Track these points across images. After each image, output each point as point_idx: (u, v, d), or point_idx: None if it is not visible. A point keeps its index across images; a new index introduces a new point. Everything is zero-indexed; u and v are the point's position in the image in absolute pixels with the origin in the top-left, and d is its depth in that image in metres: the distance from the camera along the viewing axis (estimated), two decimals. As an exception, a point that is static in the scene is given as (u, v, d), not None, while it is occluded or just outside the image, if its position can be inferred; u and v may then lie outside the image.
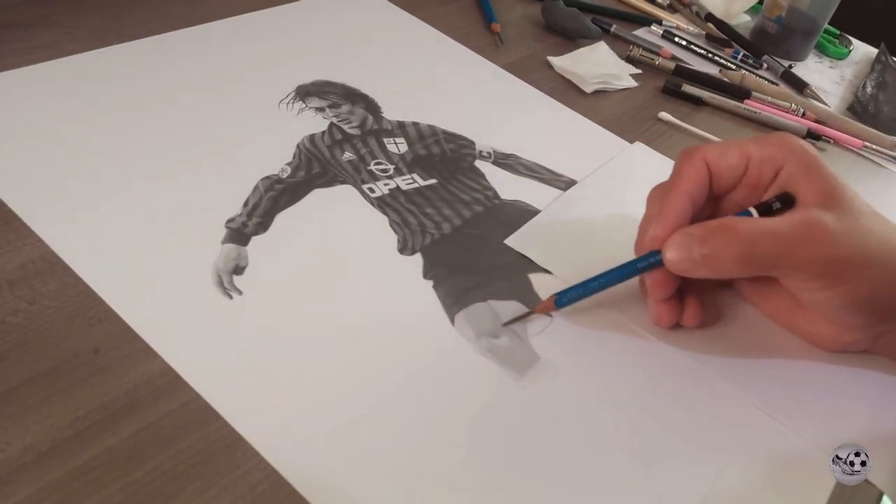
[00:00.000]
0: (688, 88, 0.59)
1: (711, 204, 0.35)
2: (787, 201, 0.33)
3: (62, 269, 0.32)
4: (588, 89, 0.55)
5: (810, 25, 0.70)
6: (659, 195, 0.34)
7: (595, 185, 0.44)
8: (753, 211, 0.33)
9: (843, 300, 0.32)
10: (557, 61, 0.57)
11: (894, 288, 0.31)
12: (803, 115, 0.59)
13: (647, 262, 0.33)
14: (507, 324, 0.34)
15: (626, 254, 0.35)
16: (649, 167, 0.48)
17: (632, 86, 0.57)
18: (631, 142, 0.50)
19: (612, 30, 0.65)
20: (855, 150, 0.58)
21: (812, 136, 0.57)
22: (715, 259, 0.31)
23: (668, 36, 0.68)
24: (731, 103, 0.58)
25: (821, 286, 0.31)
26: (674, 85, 0.58)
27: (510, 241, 0.39)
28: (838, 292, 0.31)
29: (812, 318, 0.35)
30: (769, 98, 0.60)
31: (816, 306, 0.33)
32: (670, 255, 0.32)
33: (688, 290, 0.35)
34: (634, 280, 0.35)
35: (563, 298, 0.34)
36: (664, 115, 0.55)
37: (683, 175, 0.33)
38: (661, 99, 0.58)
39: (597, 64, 0.58)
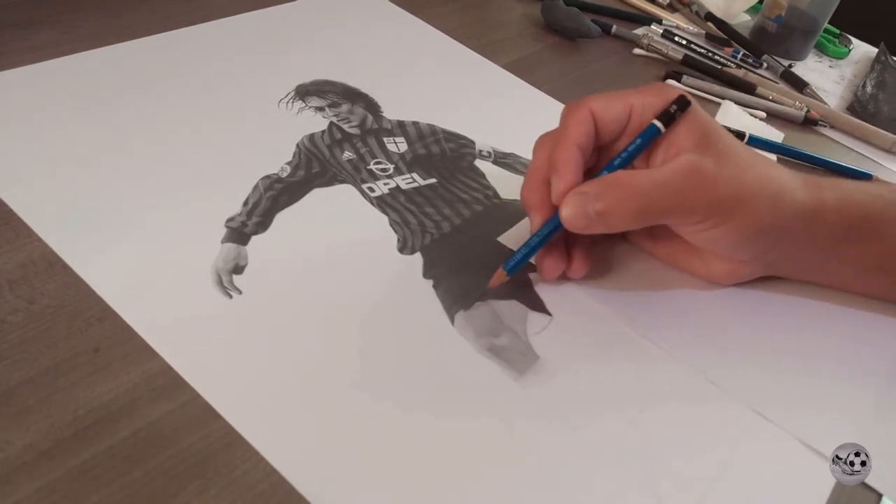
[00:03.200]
0: (689, 81, 0.59)
1: (597, 153, 0.36)
2: (682, 105, 0.34)
3: (62, 269, 0.32)
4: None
5: (810, 25, 0.70)
6: (547, 144, 0.35)
7: None
8: (658, 123, 0.33)
9: (732, 236, 0.34)
10: None
11: (773, 216, 0.34)
12: (807, 114, 0.59)
13: (554, 224, 0.34)
14: (486, 293, 0.34)
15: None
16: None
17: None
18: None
19: (613, 30, 0.65)
20: (854, 149, 0.59)
21: (810, 121, 0.58)
22: (611, 214, 0.32)
23: (668, 35, 0.68)
24: (734, 93, 0.59)
25: (709, 226, 0.33)
26: (675, 72, 0.60)
27: (503, 239, 0.39)
28: (725, 230, 0.33)
29: (706, 258, 0.37)
30: (772, 95, 0.60)
31: (708, 245, 0.35)
32: (566, 212, 0.32)
33: (574, 244, 0.36)
34: (633, 280, 0.35)
35: (511, 265, 0.34)
36: (671, 82, 0.56)
37: (571, 125, 0.34)
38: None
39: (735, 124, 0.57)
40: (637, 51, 0.64)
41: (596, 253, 0.38)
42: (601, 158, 0.36)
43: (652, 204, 0.32)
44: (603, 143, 0.35)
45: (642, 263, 0.39)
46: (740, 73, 0.63)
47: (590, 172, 0.35)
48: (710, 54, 0.66)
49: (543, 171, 0.34)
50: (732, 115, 0.57)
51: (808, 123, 0.59)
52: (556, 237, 0.35)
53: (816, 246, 0.37)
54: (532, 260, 0.35)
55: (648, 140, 0.34)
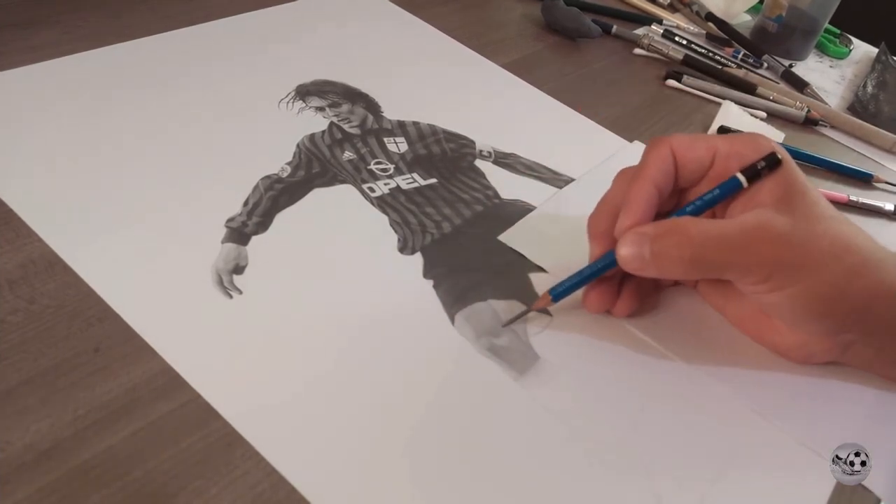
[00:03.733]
0: (689, 81, 0.60)
1: (677, 196, 0.35)
2: (772, 163, 0.32)
3: (62, 269, 0.32)
4: None
5: (811, 25, 0.70)
6: (626, 177, 0.34)
7: (590, 184, 0.44)
8: (741, 176, 0.32)
9: (795, 302, 0.31)
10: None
11: (848, 290, 0.31)
12: (808, 114, 0.59)
13: (610, 259, 0.33)
14: (506, 324, 0.34)
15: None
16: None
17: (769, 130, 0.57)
18: (631, 141, 0.50)
19: (614, 30, 0.65)
20: (855, 149, 0.58)
21: (810, 121, 0.58)
22: (664, 259, 0.31)
23: (668, 35, 0.68)
24: (734, 93, 0.59)
25: (770, 288, 0.31)
26: (675, 71, 0.60)
27: (503, 238, 0.39)
28: (788, 294, 0.31)
29: (775, 327, 0.34)
30: (772, 95, 0.61)
31: (772, 310, 0.33)
32: (623, 251, 0.32)
33: (627, 283, 0.35)
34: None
35: (558, 291, 0.34)
36: (671, 82, 0.56)
37: (650, 162, 0.33)
38: (660, 100, 0.58)
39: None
40: (637, 51, 0.64)
41: (649, 297, 0.37)
42: (681, 202, 0.35)
43: (706, 255, 0.30)
44: (683, 186, 0.34)
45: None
46: (741, 73, 0.63)
47: (665, 216, 0.33)
48: (710, 54, 0.66)
49: (616, 202, 0.33)
50: (733, 115, 0.57)
51: (809, 124, 0.59)
52: (613, 275, 0.34)
53: None
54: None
55: (727, 192, 0.32)
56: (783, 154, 0.32)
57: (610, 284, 0.35)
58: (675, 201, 0.35)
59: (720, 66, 0.64)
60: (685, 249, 0.30)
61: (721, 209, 0.33)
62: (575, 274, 0.34)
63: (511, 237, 0.39)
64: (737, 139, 0.33)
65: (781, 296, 0.31)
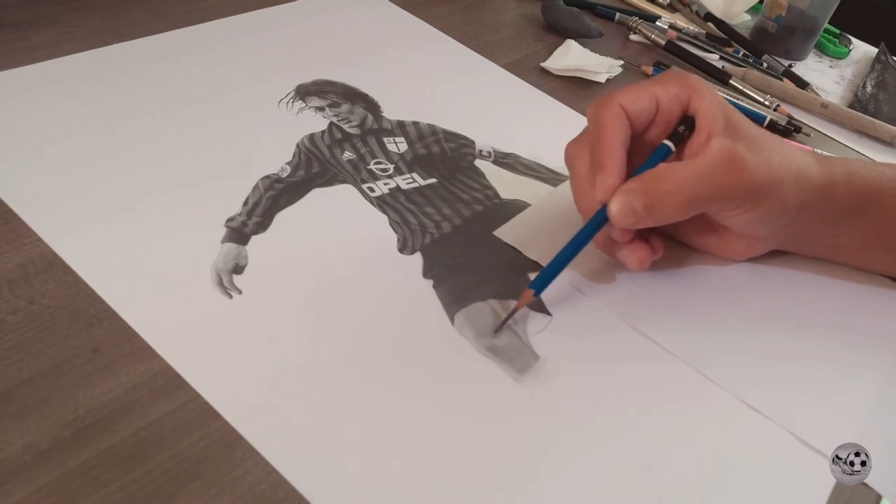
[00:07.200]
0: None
1: (636, 142, 0.36)
2: (689, 124, 0.35)
3: (62, 269, 0.32)
4: (602, 78, 0.56)
5: (810, 25, 0.70)
6: (584, 149, 0.36)
7: None
8: (669, 143, 0.35)
9: (760, 219, 0.35)
10: (551, 63, 0.57)
11: (796, 195, 0.35)
12: (786, 124, 0.59)
13: (599, 219, 0.34)
14: (496, 330, 0.33)
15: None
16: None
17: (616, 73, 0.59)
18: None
19: (617, 18, 0.68)
20: (851, 146, 0.59)
21: (794, 127, 0.57)
22: (658, 208, 0.33)
23: (649, 20, 0.69)
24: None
25: (743, 211, 0.35)
26: (663, 66, 0.61)
27: (499, 233, 0.39)
28: (757, 213, 0.35)
29: (723, 236, 0.39)
30: (743, 87, 0.61)
31: (736, 227, 0.37)
32: (614, 208, 0.33)
33: (636, 240, 0.37)
34: (632, 283, 0.35)
35: (538, 283, 0.34)
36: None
37: (608, 123, 0.34)
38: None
39: (579, 56, 0.59)
40: (633, 37, 0.66)
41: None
42: (632, 150, 0.36)
43: (696, 195, 0.33)
44: (633, 135, 0.36)
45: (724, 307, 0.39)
46: (741, 72, 0.63)
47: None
48: (710, 51, 0.67)
49: (590, 175, 0.35)
50: (574, 53, 0.59)
51: (771, 128, 0.57)
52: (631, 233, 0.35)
53: (827, 221, 0.38)
54: (622, 259, 0.36)
55: (662, 158, 0.35)
56: (703, 87, 0.35)
57: (639, 240, 0.36)
58: (636, 147, 0.36)
59: (722, 64, 0.64)
60: (676, 195, 0.33)
61: (678, 151, 0.36)
62: (551, 262, 0.34)
63: (506, 232, 0.39)
64: (669, 82, 0.36)
65: (750, 215, 0.35)
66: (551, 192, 0.43)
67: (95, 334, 0.29)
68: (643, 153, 0.36)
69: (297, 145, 0.42)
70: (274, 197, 0.38)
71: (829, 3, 0.68)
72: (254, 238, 0.35)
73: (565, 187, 0.43)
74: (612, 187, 0.33)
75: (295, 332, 0.31)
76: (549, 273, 0.34)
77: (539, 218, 0.41)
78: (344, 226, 0.37)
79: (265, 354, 0.30)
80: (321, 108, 0.45)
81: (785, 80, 0.64)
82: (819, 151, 0.53)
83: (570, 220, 0.40)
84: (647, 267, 0.36)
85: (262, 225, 0.36)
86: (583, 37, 0.62)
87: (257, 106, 0.44)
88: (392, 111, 0.47)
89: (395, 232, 0.38)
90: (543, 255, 0.38)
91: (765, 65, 0.67)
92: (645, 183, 0.33)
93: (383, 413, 0.29)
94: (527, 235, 0.39)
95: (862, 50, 0.78)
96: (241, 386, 0.29)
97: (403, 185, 0.41)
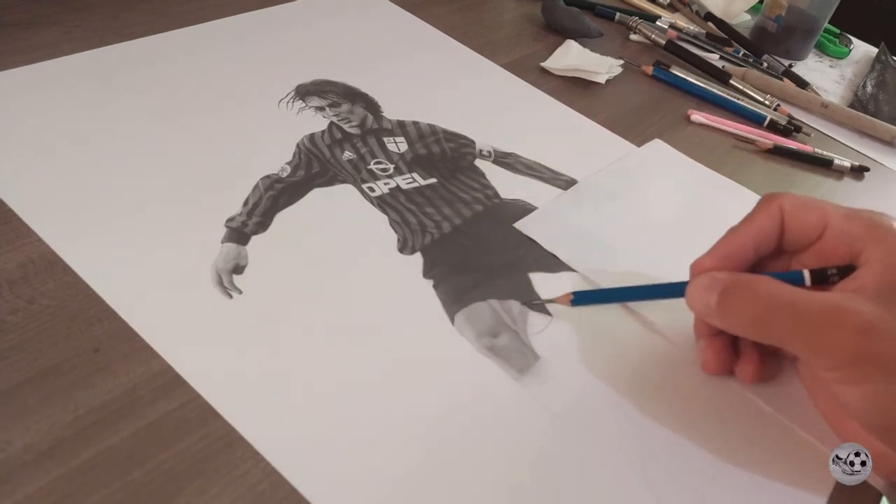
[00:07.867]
0: (676, 71, 0.60)
1: (786, 260, 0.33)
2: (845, 273, 0.29)
3: (62, 269, 0.32)
4: (602, 78, 0.56)
5: (810, 24, 0.70)
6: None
7: (608, 179, 0.45)
8: (807, 274, 0.30)
9: (868, 403, 0.27)
10: (551, 63, 0.57)
11: None
12: (776, 110, 0.59)
13: (670, 290, 0.33)
14: (530, 304, 0.34)
15: (633, 250, 0.35)
16: (668, 164, 0.49)
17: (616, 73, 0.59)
18: (630, 140, 0.50)
19: (617, 18, 0.68)
20: (851, 146, 0.59)
21: (794, 127, 0.57)
22: (728, 312, 0.29)
23: (649, 19, 0.69)
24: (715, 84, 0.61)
25: (842, 379, 0.27)
26: (664, 66, 0.61)
27: (520, 225, 0.40)
28: (862, 391, 0.27)
29: (854, 428, 0.30)
30: (743, 86, 0.61)
31: (845, 406, 0.28)
32: (692, 290, 0.31)
33: (743, 343, 0.33)
34: (633, 283, 0.35)
35: (581, 297, 0.34)
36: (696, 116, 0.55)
37: (755, 217, 0.32)
38: (658, 100, 0.58)
39: (579, 55, 0.59)
40: (633, 37, 0.66)
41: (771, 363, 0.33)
42: (788, 267, 0.33)
43: (772, 319, 0.28)
44: (787, 250, 0.32)
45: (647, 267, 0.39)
46: (741, 71, 0.63)
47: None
48: (711, 51, 0.67)
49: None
50: (573, 53, 0.59)
51: (771, 128, 0.57)
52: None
53: None
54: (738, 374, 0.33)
55: (786, 278, 0.30)
56: (891, 241, 0.29)
57: (724, 341, 0.32)
58: (782, 266, 0.33)
59: (722, 64, 0.64)
60: (749, 309, 0.29)
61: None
62: (600, 290, 0.34)
63: (526, 225, 0.40)
64: (853, 216, 0.30)
65: (855, 392, 0.27)
66: (575, 187, 0.44)
67: (95, 334, 0.29)
68: (783, 266, 0.33)
69: (298, 145, 0.42)
70: (274, 197, 0.38)
71: (829, 2, 0.68)
72: (254, 238, 0.35)
73: (588, 182, 0.44)
74: (702, 266, 0.31)
75: (295, 332, 0.31)
76: (601, 298, 0.34)
77: (563, 213, 0.41)
78: (344, 226, 0.37)
79: (265, 354, 0.30)
80: (321, 108, 0.45)
81: (785, 79, 0.65)
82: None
83: (596, 218, 0.41)
84: (712, 373, 0.33)
85: (263, 225, 0.36)
86: (583, 37, 0.62)
87: (257, 106, 0.44)
88: (392, 111, 0.47)
89: (396, 232, 0.38)
90: (567, 253, 0.38)
91: (765, 64, 0.67)
92: (731, 280, 0.29)
93: (383, 413, 0.29)
94: (550, 231, 0.40)
95: (862, 50, 0.78)
96: (241, 386, 0.29)
97: (403, 185, 0.41)
